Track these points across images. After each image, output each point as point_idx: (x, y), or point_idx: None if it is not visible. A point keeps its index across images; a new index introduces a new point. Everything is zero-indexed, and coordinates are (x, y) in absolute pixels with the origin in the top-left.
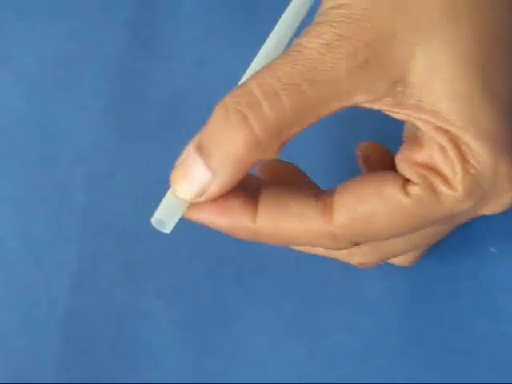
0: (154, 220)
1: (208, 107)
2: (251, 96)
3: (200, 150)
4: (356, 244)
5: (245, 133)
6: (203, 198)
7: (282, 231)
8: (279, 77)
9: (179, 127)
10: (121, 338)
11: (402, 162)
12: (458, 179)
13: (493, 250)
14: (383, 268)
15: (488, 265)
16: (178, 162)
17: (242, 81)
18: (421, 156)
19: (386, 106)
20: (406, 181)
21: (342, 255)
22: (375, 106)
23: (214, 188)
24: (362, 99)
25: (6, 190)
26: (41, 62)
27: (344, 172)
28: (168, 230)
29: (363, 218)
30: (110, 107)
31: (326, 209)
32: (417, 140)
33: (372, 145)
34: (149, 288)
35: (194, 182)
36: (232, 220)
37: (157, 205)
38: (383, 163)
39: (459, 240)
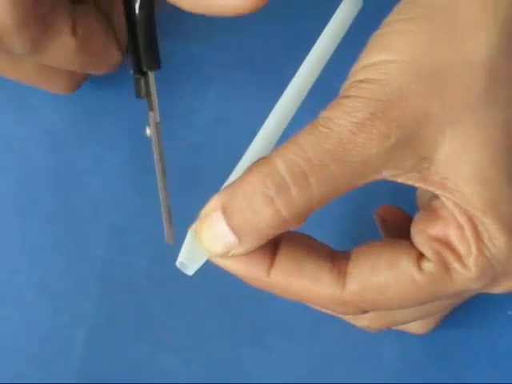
0: (179, 263)
1: (227, 165)
2: (279, 178)
3: (225, 212)
4: (365, 312)
5: (271, 214)
6: (229, 255)
7: (294, 290)
8: (309, 157)
9: (198, 183)
10: None
11: (417, 234)
12: (472, 259)
13: (511, 313)
14: (399, 330)
15: (506, 329)
16: (204, 214)
17: (268, 124)
18: (436, 230)
19: (411, 181)
20: (421, 255)
21: (348, 317)
22: (400, 180)
23: (239, 250)
24: (388, 175)
25: (26, 241)
26: (63, 115)
27: (362, 231)
28: (190, 272)
29: (375, 289)
30: (132, 161)
31: (339, 276)
32: (433, 211)
33: (390, 208)
34: (165, 344)
35: (220, 240)
36: (248, 270)
37: (173, 261)
38: (401, 227)
39: (476, 305)
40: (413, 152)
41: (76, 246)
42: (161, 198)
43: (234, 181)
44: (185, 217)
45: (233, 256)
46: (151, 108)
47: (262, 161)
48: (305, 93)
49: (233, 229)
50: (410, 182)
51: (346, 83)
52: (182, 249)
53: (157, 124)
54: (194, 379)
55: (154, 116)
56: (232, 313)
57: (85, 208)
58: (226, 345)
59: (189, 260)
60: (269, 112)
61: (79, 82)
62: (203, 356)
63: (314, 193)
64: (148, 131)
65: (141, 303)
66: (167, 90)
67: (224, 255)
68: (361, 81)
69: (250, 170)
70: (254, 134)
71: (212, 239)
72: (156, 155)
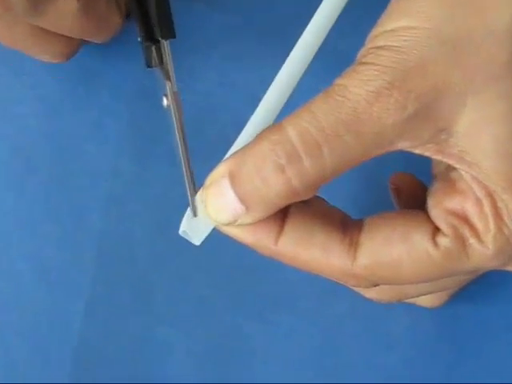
0: (182, 232)
1: (231, 131)
2: (291, 146)
3: (233, 179)
4: (376, 285)
5: (282, 184)
6: (236, 224)
7: (303, 259)
8: (322, 127)
9: (200, 151)
10: (136, 369)
11: (433, 207)
12: (490, 236)
13: None
14: (409, 303)
15: None
16: (210, 181)
17: (275, 85)
18: (453, 203)
19: (428, 152)
20: (436, 229)
21: (358, 288)
22: (416, 151)
23: (247, 220)
24: (404, 146)
25: (20, 211)
26: (59, 80)
27: (375, 200)
28: (197, 242)
29: (388, 263)
30: (130, 128)
31: (351, 247)
32: (450, 183)
33: (405, 176)
34: (166, 317)
35: (227, 209)
36: (256, 238)
37: (174, 233)
38: (416, 197)
39: (489, 279)
40: (430, 123)
41: (72, 215)
42: (184, 171)
43: (243, 147)
44: (184, 190)
45: (240, 225)
46: (167, 77)
47: (272, 128)
48: (310, 57)
49: (240, 197)
50: (427, 154)
51: (363, 49)
52: (184, 217)
53: (174, 93)
54: (195, 354)
55: (171, 86)
56: (236, 285)
57: (81, 176)
58: (229, 319)
59: (193, 229)
60: (270, 74)
61: (75, 49)
62: (205, 330)
63: (327, 163)
64: (165, 101)
65: (140, 275)
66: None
67: (231, 224)
68: (379, 47)
69: (259, 136)
70: (260, 99)
71: (218, 207)
72: (176, 126)
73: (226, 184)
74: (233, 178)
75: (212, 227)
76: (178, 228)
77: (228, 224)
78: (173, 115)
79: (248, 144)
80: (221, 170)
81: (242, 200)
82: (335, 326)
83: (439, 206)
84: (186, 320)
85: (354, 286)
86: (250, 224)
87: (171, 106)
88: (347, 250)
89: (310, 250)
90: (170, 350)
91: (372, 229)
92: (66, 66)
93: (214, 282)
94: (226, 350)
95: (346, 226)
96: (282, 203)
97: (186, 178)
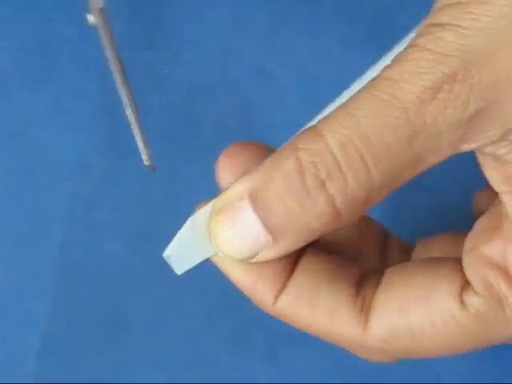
0: (166, 256)
1: (229, 110)
2: (331, 160)
3: (256, 201)
4: (395, 359)
5: (323, 204)
6: (253, 260)
7: (303, 322)
8: (366, 136)
9: (194, 133)
10: None
11: (468, 252)
12: None
13: None
14: None
15: None
16: (221, 205)
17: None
18: (493, 248)
19: (502, 150)
20: (466, 283)
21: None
22: (487, 150)
23: (270, 255)
24: (468, 148)
25: None
26: (13, 51)
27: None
28: (179, 271)
29: (405, 334)
30: (101, 110)
31: (362, 312)
32: (496, 221)
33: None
34: (145, 356)
35: (246, 240)
36: (253, 289)
37: (156, 245)
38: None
39: None
40: (498, 122)
41: (28, 222)
42: (126, 108)
43: (267, 160)
44: (178, 174)
45: (257, 261)
46: None
47: (307, 134)
48: None
49: (267, 223)
50: (501, 152)
51: (423, 25)
52: (173, 239)
53: (101, 10)
54: None
55: None
56: (235, 315)
57: (39, 171)
58: (226, 359)
59: (181, 257)
60: (279, 44)
61: None
62: (196, 373)
63: (374, 179)
64: (91, 19)
65: (112, 300)
66: (150, 14)
67: (247, 260)
68: (440, 25)
69: (291, 145)
70: (262, 69)
71: (234, 238)
72: (107, 51)
73: (245, 207)
74: (255, 199)
75: (203, 258)
76: (159, 240)
77: (245, 259)
78: (101, 36)
79: (273, 155)
80: (238, 189)
81: (269, 227)
82: (352, 365)
83: (475, 251)
84: (171, 360)
85: (369, 359)
86: (270, 260)
87: (98, 25)
88: (357, 315)
89: (312, 314)
90: None
91: (389, 286)
92: (17, 32)
93: (207, 311)
94: None
95: (363, 281)
96: (320, 230)
97: (128, 116)
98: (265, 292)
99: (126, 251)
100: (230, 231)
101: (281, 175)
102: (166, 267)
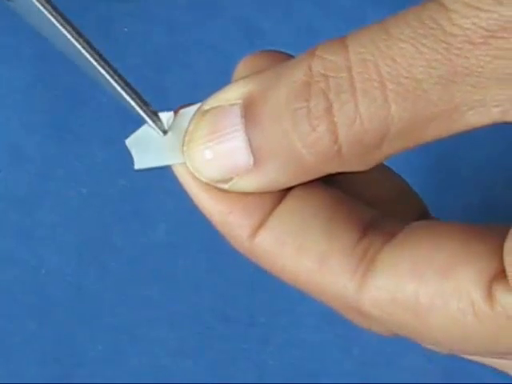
0: (128, 142)
1: (210, 81)
2: (347, 78)
3: (248, 109)
4: (391, 333)
5: (321, 131)
6: (226, 186)
7: (285, 268)
8: (396, 63)
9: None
10: None
11: (510, 241)
12: None
13: None
14: None
15: None
16: (208, 105)
17: None
18: None
19: None
20: (501, 273)
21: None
22: None
23: (247, 184)
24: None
25: None
26: None
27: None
28: (137, 165)
29: (410, 305)
30: (39, 84)
31: (362, 262)
32: None
33: None
34: None
35: (225, 157)
36: (227, 219)
37: (111, 258)
38: None
39: None
40: None
41: None
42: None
43: (278, 64)
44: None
45: (229, 189)
46: None
47: (331, 42)
48: None
49: (252, 141)
50: None
51: None
52: (142, 127)
53: None
54: None
55: None
56: (209, 344)
57: None
58: None
59: (144, 151)
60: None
61: None
62: None
63: (392, 117)
64: None
65: (59, 327)
66: None
67: (222, 182)
68: None
69: (309, 50)
70: (250, 26)
71: (209, 149)
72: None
73: (234, 115)
74: (249, 108)
75: (172, 163)
76: (115, 251)
77: (213, 181)
78: None
79: (288, 61)
80: (232, 91)
81: (254, 146)
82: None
83: None
84: None
85: (363, 327)
86: (246, 191)
87: None
88: (354, 267)
89: (298, 258)
90: None
91: (405, 242)
92: None
93: (177, 339)
94: None
95: (373, 228)
96: (313, 167)
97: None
98: (239, 224)
99: (74, 266)
100: (207, 139)
101: (284, 84)
102: (124, 285)
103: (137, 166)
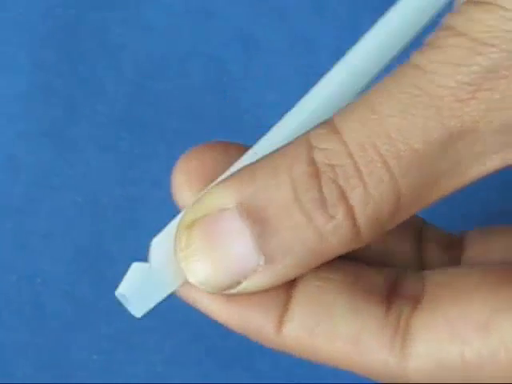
0: (119, 294)
1: (207, 91)
2: (350, 164)
3: (248, 213)
4: None
5: (341, 218)
6: (235, 291)
7: (320, 355)
8: (390, 137)
9: (154, 129)
10: None
11: None
12: None
13: None
14: None
15: None
16: (195, 215)
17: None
18: None
19: None
20: None
21: None
22: None
23: (260, 283)
24: None
25: None
26: None
27: None
28: (139, 313)
29: (458, 366)
30: (38, 92)
31: (397, 334)
32: None
33: None
34: None
35: (232, 262)
36: (246, 321)
37: (107, 267)
38: None
39: None
40: None
41: None
42: None
43: (266, 156)
44: (137, 171)
45: (240, 292)
46: None
47: (321, 130)
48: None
49: (262, 243)
50: None
51: (457, 3)
52: (128, 273)
53: None
54: None
55: None
56: (207, 356)
57: None
58: None
59: (139, 294)
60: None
61: None
62: None
63: (401, 191)
64: None
65: (54, 336)
66: None
67: (226, 290)
68: (480, 3)
69: (301, 141)
70: (246, 35)
71: (211, 261)
72: None
73: (231, 220)
74: (248, 211)
75: (172, 290)
76: (111, 261)
77: (219, 290)
78: None
79: (273, 154)
80: (221, 195)
81: (265, 247)
82: None
83: None
84: None
85: None
86: (258, 291)
87: None
88: (390, 342)
89: (331, 343)
90: None
91: (434, 304)
92: None
93: (173, 347)
94: None
95: (395, 293)
96: (333, 252)
97: None
98: (261, 325)
99: (70, 275)
100: (206, 252)
101: (287, 178)
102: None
103: (139, 315)
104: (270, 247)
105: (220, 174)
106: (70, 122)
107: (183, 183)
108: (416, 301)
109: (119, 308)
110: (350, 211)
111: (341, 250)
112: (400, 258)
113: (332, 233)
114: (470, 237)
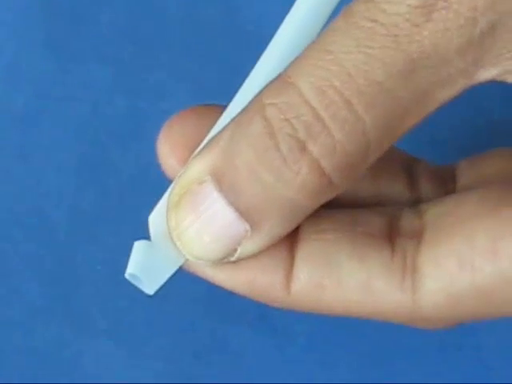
0: (129, 275)
1: (207, 2)
2: (309, 112)
3: (221, 181)
4: (456, 324)
5: (308, 171)
6: (233, 259)
7: (334, 306)
8: (349, 73)
9: (155, 42)
10: None
11: None
12: None
13: None
14: None
15: None
16: (178, 194)
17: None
18: None
19: None
20: None
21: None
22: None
23: (253, 248)
24: (483, 78)
25: None
26: None
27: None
28: (151, 290)
29: (471, 295)
30: (40, 2)
31: (405, 273)
32: None
33: None
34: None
35: (218, 235)
36: (254, 285)
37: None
38: None
39: None
40: None
41: None
42: None
43: (230, 123)
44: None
45: (238, 259)
46: None
47: (274, 85)
48: None
49: (240, 208)
50: None
51: None
52: (132, 253)
53: None
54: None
55: None
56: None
57: None
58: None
59: (148, 273)
60: None
61: None
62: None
63: (368, 128)
64: None
65: (58, 249)
66: None
67: (222, 261)
68: None
69: (255, 102)
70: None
71: (202, 234)
72: None
73: (209, 192)
74: (221, 180)
75: (177, 266)
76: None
77: (219, 261)
78: None
79: (234, 120)
80: (195, 170)
81: (244, 212)
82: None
83: None
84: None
85: (426, 329)
86: (255, 254)
87: None
88: (399, 282)
89: (342, 293)
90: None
91: (438, 236)
92: None
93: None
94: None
95: (396, 232)
96: (310, 205)
97: None
98: (268, 287)
99: (72, 186)
100: (195, 227)
101: (247, 144)
102: (123, 207)
103: (151, 292)
104: (248, 212)
105: (203, 139)
106: (72, 32)
107: (168, 153)
108: (418, 236)
109: (123, 218)
110: (313, 163)
111: (317, 201)
112: (395, 197)
113: (302, 187)
114: (460, 167)
